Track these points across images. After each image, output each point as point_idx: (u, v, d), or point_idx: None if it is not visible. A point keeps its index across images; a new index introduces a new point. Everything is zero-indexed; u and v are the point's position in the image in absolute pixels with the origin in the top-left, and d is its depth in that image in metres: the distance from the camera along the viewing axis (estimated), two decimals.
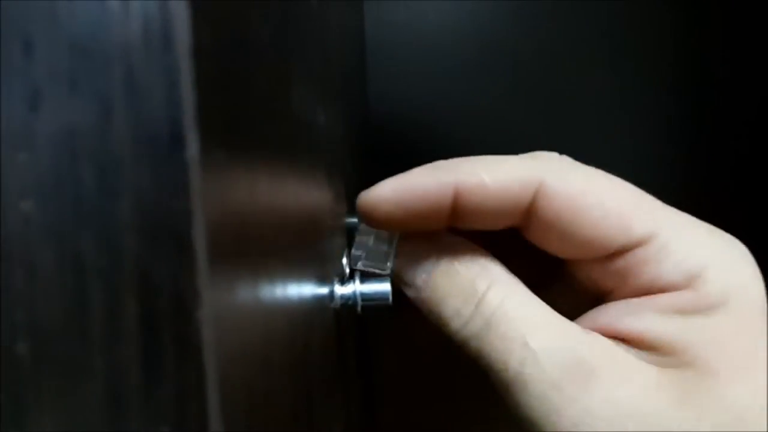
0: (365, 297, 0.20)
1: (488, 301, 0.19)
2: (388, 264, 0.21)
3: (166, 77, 0.06)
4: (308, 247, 0.14)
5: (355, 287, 0.20)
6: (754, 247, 0.19)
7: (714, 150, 0.49)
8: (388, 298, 0.21)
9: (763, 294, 0.18)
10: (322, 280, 0.16)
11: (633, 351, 0.18)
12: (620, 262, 0.19)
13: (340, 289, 0.20)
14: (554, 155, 0.20)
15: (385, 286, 0.20)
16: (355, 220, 0.23)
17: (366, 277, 0.21)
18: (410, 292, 0.20)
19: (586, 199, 0.18)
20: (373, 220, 0.19)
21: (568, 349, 0.18)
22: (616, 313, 0.19)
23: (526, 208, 0.19)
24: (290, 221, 0.12)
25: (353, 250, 0.21)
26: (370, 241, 0.21)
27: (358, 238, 0.21)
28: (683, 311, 0.18)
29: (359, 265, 0.21)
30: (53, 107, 0.07)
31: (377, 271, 0.21)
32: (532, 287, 0.20)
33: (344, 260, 0.21)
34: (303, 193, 0.14)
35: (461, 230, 0.20)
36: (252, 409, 0.09)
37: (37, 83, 0.07)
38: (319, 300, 0.15)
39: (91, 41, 0.07)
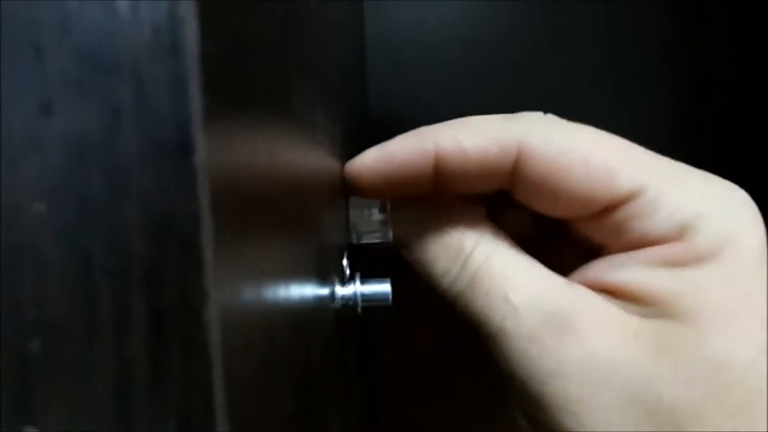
0: (365, 298, 0.20)
1: (474, 259, 0.19)
2: (389, 232, 0.21)
3: (174, 83, 0.07)
4: (310, 248, 0.14)
5: (356, 288, 0.20)
6: None
7: (714, 150, 0.49)
8: (388, 299, 0.21)
9: (763, 241, 0.17)
10: (323, 280, 0.16)
11: (616, 302, 0.18)
12: (611, 218, 0.18)
13: (341, 290, 0.20)
14: (538, 114, 0.19)
15: (385, 287, 0.20)
16: None
17: (367, 279, 0.21)
18: (405, 254, 0.21)
19: (570, 157, 0.18)
20: (359, 189, 0.20)
21: (547, 301, 0.18)
22: (603, 267, 0.19)
23: (510, 171, 0.18)
24: (293, 222, 0.12)
25: (350, 225, 0.21)
26: (365, 212, 0.21)
27: (352, 212, 0.21)
28: (671, 263, 0.17)
29: (363, 239, 0.21)
30: (64, 113, 0.07)
31: (381, 240, 0.21)
32: (536, 245, 0.20)
33: (344, 261, 0.21)
34: (306, 194, 0.14)
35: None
36: (255, 408, 0.09)
37: (49, 89, 0.07)
38: (320, 300, 0.15)
39: (101, 48, 0.07)
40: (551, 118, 0.19)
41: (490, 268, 0.19)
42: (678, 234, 0.17)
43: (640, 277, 0.17)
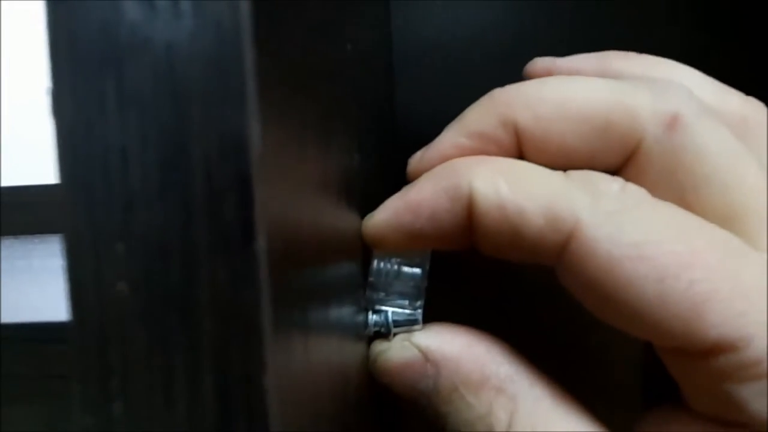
0: (397, 323, 0.21)
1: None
2: (418, 315, 0.17)
3: (239, 185, 0.08)
4: (348, 301, 0.15)
5: (388, 314, 0.21)
6: None
7: None
8: (419, 323, 0.21)
9: None
10: (358, 320, 0.17)
11: None
12: (689, 362, 0.13)
13: (373, 317, 0.20)
14: (610, 182, 0.14)
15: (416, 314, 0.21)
16: None
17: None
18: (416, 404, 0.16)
19: (638, 267, 0.12)
20: (386, 251, 0.16)
21: None
22: (675, 425, 0.14)
23: (559, 252, 0.13)
24: (336, 279, 0.13)
25: (369, 281, 0.18)
26: (388, 265, 0.17)
27: (374, 263, 0.17)
28: None
29: (382, 304, 0.18)
30: (145, 209, 0.08)
31: (407, 317, 0.18)
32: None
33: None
34: (346, 247, 0.15)
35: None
36: None
37: (132, 189, 0.08)
38: (356, 344, 0.16)
39: (177, 154, 0.08)
40: (630, 193, 0.14)
41: None
42: None
43: None
